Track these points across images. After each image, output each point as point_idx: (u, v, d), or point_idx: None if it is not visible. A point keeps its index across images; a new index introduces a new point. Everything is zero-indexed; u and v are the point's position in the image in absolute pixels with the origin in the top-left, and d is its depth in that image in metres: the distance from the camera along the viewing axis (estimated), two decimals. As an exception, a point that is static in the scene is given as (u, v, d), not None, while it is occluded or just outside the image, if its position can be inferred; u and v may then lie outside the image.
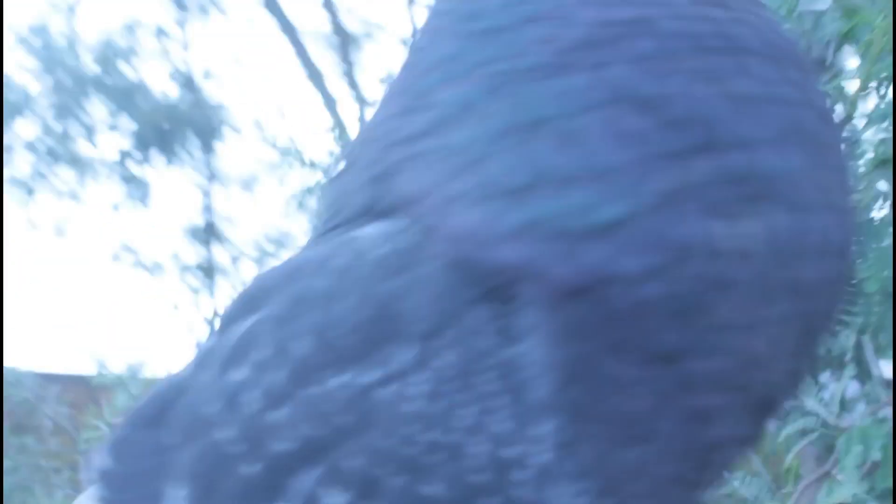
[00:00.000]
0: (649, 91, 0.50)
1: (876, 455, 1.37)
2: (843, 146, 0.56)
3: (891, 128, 1.30)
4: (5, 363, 4.46)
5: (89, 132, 6.96)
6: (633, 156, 0.48)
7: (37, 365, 5.09)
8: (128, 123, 6.91)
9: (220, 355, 0.55)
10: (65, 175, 7.06)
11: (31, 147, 6.88)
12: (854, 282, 0.55)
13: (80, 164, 7.07)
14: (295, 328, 0.55)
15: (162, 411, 0.58)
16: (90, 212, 7.19)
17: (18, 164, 6.87)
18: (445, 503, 0.52)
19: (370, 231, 0.55)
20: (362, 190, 0.57)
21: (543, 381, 0.52)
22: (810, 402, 1.52)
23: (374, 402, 0.53)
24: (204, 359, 0.56)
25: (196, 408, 0.56)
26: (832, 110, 0.60)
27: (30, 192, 6.93)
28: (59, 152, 6.94)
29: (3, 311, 4.24)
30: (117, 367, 4.56)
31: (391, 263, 0.54)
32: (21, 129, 6.81)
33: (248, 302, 0.57)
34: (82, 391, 4.57)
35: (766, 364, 0.52)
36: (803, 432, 1.57)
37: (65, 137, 6.93)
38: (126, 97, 6.82)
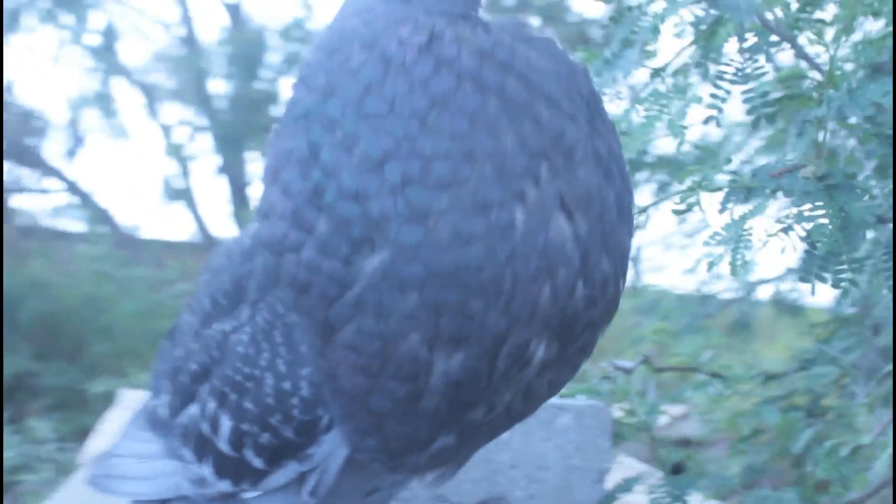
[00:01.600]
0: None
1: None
2: None
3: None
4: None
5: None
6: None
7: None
8: None
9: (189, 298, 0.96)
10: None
11: None
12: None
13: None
14: (207, 289, 0.92)
15: (173, 331, 0.99)
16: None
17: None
18: (255, 415, 0.84)
19: (250, 228, 0.90)
20: None
21: (304, 339, 0.82)
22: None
23: (228, 342, 0.87)
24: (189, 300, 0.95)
25: (174, 334, 0.97)
26: None
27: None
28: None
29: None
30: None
31: (246, 254, 0.89)
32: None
33: (206, 263, 0.96)
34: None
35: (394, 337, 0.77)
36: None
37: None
38: None
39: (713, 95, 1.32)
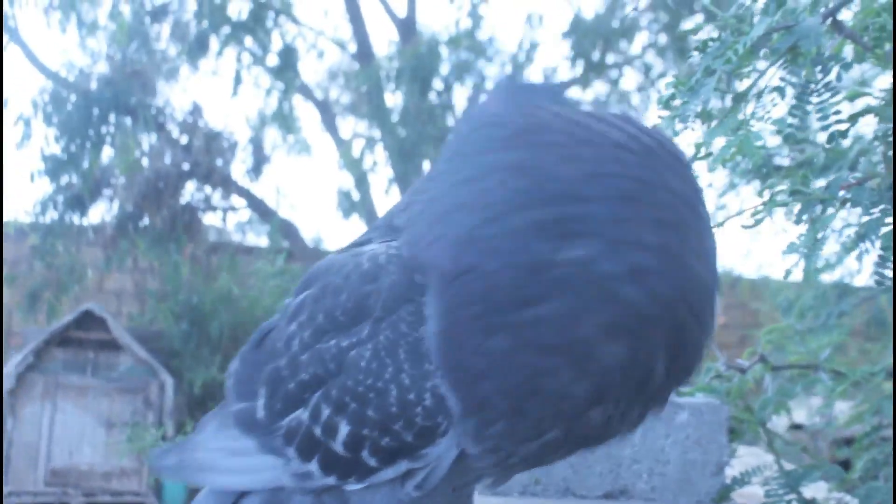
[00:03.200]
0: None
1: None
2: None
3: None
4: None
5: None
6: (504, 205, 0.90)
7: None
8: None
9: (287, 312, 1.06)
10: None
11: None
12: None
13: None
14: (319, 306, 1.03)
15: (262, 338, 1.12)
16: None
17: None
18: (376, 422, 0.98)
19: (369, 249, 1.04)
20: (388, 216, 1.10)
21: (434, 349, 0.94)
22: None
23: (347, 356, 0.99)
24: (283, 310, 1.08)
25: (272, 342, 1.08)
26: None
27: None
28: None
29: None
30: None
31: (369, 275, 1.00)
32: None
33: (306, 281, 1.07)
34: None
35: (573, 330, 0.88)
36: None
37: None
38: None
39: (792, 113, 1.47)
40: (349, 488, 1.03)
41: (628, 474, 1.88)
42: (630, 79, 8.08)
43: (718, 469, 1.88)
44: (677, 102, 1.49)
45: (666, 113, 1.51)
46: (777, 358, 2.00)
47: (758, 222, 1.47)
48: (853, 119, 1.46)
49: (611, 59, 8.01)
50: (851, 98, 1.48)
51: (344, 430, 1.00)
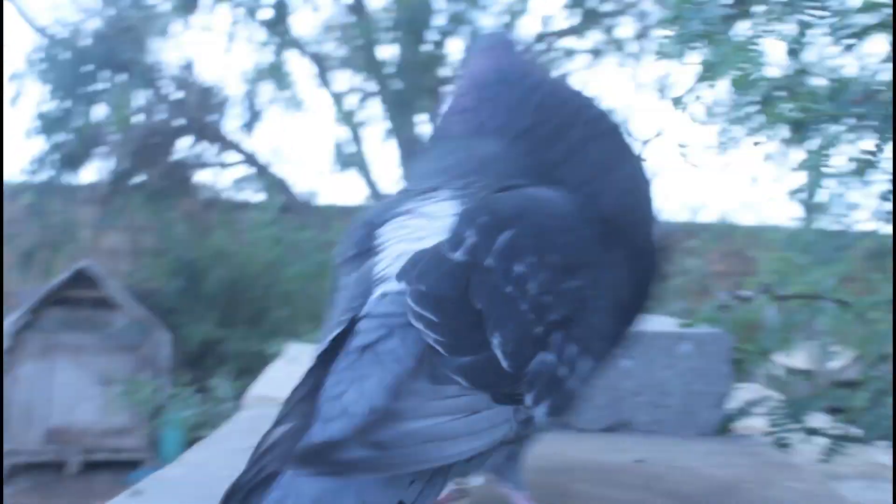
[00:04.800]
0: None
1: None
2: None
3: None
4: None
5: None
6: None
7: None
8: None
9: (495, 252, 1.03)
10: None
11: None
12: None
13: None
14: (545, 246, 1.05)
15: (423, 272, 1.07)
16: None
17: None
18: (611, 354, 1.17)
19: (551, 194, 1.11)
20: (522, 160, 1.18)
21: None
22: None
23: (580, 295, 1.07)
24: (474, 250, 1.03)
25: (482, 287, 1.03)
26: None
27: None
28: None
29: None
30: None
31: (576, 219, 1.10)
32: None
33: (496, 223, 1.05)
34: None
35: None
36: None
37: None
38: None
39: (800, 23, 1.43)
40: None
41: (629, 407, 1.86)
42: (627, 27, 7.97)
43: (720, 400, 1.85)
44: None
45: (669, 33, 1.47)
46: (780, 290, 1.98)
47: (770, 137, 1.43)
48: (863, 34, 1.42)
49: (608, 6, 7.93)
50: (867, 9, 1.43)
51: (586, 365, 1.07)
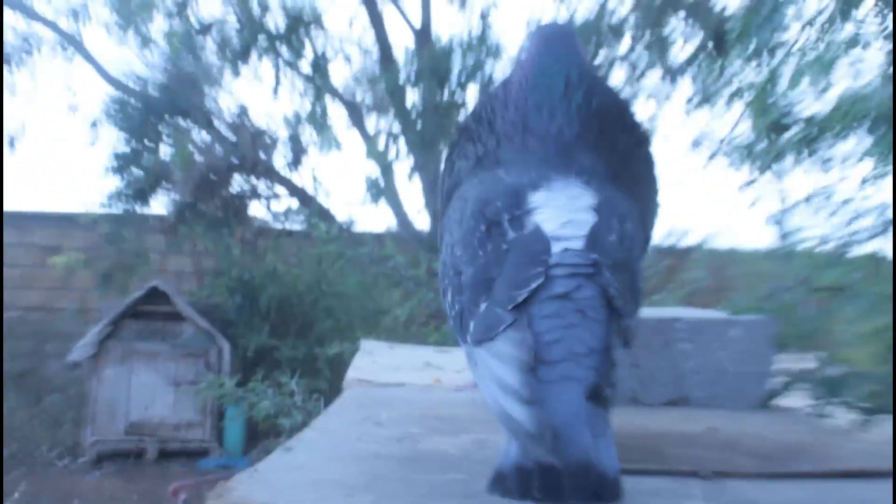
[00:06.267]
0: None
1: None
2: None
3: None
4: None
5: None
6: None
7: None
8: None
9: (625, 235, 1.16)
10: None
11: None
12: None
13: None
14: (638, 234, 1.23)
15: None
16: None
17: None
18: None
19: (629, 200, 1.23)
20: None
21: None
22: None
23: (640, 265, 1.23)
24: (620, 234, 1.16)
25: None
26: None
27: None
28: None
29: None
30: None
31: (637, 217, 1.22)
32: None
33: (621, 216, 1.17)
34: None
35: None
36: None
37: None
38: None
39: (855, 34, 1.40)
40: None
41: (689, 384, 1.84)
42: (618, 75, 7.99)
43: (765, 377, 1.83)
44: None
45: (736, 48, 1.45)
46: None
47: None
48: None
49: (601, 57, 7.94)
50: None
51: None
